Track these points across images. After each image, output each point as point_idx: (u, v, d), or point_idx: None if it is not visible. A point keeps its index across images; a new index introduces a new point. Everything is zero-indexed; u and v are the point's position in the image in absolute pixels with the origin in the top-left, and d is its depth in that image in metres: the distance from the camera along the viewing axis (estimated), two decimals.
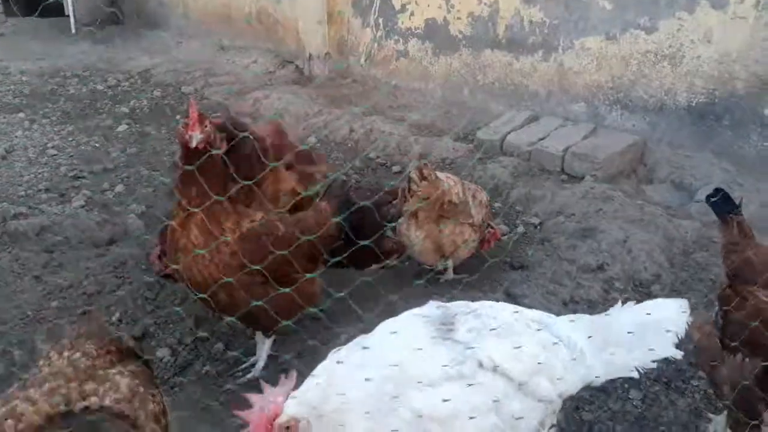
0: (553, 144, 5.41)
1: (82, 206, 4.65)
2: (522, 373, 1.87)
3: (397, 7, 7.10)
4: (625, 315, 2.13)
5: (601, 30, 5.54)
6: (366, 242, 2.64)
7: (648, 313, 2.11)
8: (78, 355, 2.02)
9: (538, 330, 1.98)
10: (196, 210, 2.64)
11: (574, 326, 2.07)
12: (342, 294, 2.45)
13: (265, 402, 1.79)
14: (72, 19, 9.87)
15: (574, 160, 5.19)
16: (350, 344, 1.96)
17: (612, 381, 2.15)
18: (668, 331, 2.06)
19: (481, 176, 5.27)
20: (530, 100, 6.15)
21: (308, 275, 2.91)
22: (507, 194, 5.09)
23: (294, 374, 1.84)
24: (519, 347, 1.89)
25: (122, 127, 6.25)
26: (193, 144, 2.62)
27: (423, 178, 3.45)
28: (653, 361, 2.01)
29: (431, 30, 6.86)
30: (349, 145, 6.06)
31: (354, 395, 1.78)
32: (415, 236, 3.63)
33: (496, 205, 4.93)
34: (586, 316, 2.15)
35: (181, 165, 2.67)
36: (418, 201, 3.49)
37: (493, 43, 6.35)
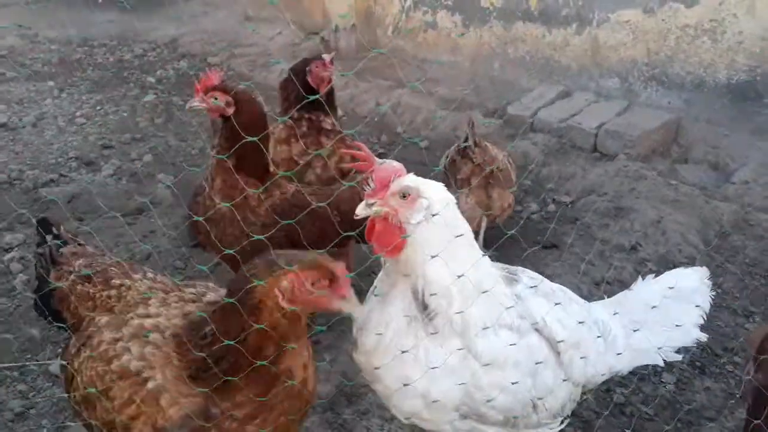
0: (586, 121, 5.28)
1: (111, 175, 4.68)
2: (564, 341, 1.84)
3: None
4: (649, 289, 2.04)
5: (638, 3, 5.35)
6: None
7: (671, 287, 2.00)
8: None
9: (580, 307, 1.95)
10: (228, 171, 2.62)
11: (609, 311, 2.02)
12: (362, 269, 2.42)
13: (391, 163, 1.73)
14: None
15: (607, 137, 5.07)
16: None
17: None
18: (696, 306, 1.97)
19: (511, 153, 5.16)
20: (562, 74, 5.99)
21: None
22: (538, 172, 5.00)
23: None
24: (568, 319, 1.86)
25: (149, 97, 6.25)
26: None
27: (477, 145, 3.57)
28: (678, 349, 1.93)
29: (461, 1, 6.69)
30: (376, 119, 5.99)
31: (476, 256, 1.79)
32: (465, 203, 3.67)
33: (527, 182, 4.85)
34: (614, 297, 2.09)
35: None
36: (468, 169, 3.58)
37: (525, 15, 6.17)
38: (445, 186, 3.62)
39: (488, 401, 1.74)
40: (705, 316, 1.96)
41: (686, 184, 4.50)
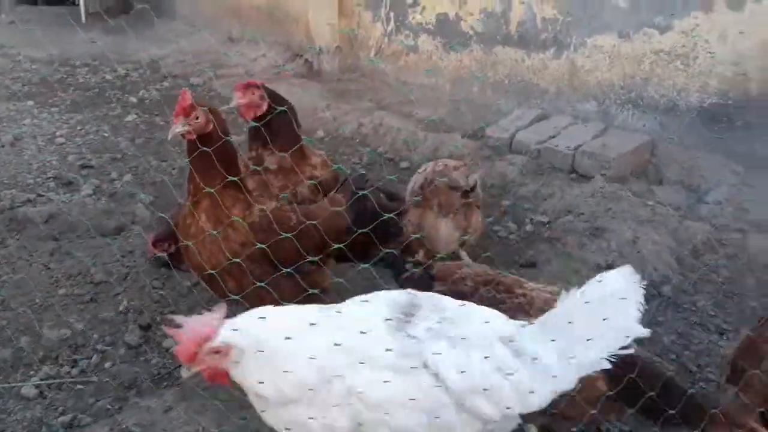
0: (563, 142, 5.37)
1: (90, 195, 4.65)
2: (462, 389, 1.81)
3: (409, 1, 7.06)
4: (579, 301, 1.93)
5: (614, 28, 5.50)
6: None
7: (600, 292, 1.91)
8: None
9: (503, 346, 1.87)
10: (207, 193, 2.63)
11: (542, 336, 1.93)
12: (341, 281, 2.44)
13: (197, 324, 1.80)
14: (82, 8, 9.87)
15: (584, 159, 5.16)
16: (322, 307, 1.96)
17: None
18: (629, 303, 1.88)
19: (490, 174, 5.25)
20: (540, 97, 6.11)
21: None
22: (515, 192, 5.07)
23: (224, 307, 1.87)
24: (467, 363, 1.81)
25: (131, 117, 6.25)
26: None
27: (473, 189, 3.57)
28: (622, 347, 1.86)
29: (442, 25, 6.82)
30: (357, 140, 6.04)
31: (302, 345, 1.80)
32: (447, 231, 3.66)
33: (505, 203, 4.91)
34: (549, 315, 1.99)
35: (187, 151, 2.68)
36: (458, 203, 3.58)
37: (504, 39, 6.31)
38: (420, 206, 3.74)
39: None
40: (641, 309, 1.87)
41: (661, 205, 4.59)
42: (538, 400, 1.86)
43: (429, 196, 3.63)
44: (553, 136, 5.52)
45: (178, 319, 1.80)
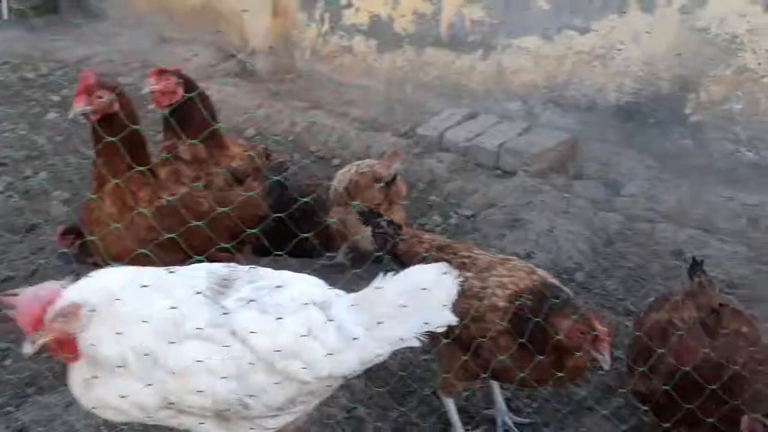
0: (489, 140, 5.52)
1: (1, 192, 4.45)
2: (271, 353, 1.87)
3: (343, 2, 7.10)
4: (393, 285, 2.08)
5: (537, 30, 5.68)
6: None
7: (413, 281, 2.07)
8: None
9: (314, 314, 1.96)
10: (111, 180, 2.57)
11: (353, 307, 2.05)
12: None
13: (39, 290, 1.74)
14: (5, 5, 9.46)
15: (508, 155, 5.31)
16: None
17: None
18: (439, 292, 2.04)
19: (419, 170, 5.34)
20: (469, 97, 6.24)
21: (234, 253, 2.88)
22: (443, 188, 5.17)
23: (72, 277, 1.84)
24: (279, 329, 1.88)
25: (52, 115, 6.02)
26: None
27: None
28: (431, 330, 2.02)
29: (376, 27, 6.89)
30: (290, 138, 6.02)
31: (145, 312, 1.82)
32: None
33: (433, 198, 5.00)
34: (362, 292, 2.12)
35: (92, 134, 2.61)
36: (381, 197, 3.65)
37: (435, 41, 6.42)
38: (345, 206, 3.78)
39: (187, 404, 1.85)
40: (451, 300, 2.04)
41: (579, 198, 4.76)
42: (347, 366, 1.96)
43: (352, 194, 3.69)
44: (480, 134, 5.66)
45: (18, 290, 1.71)
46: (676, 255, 4.10)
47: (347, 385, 2.87)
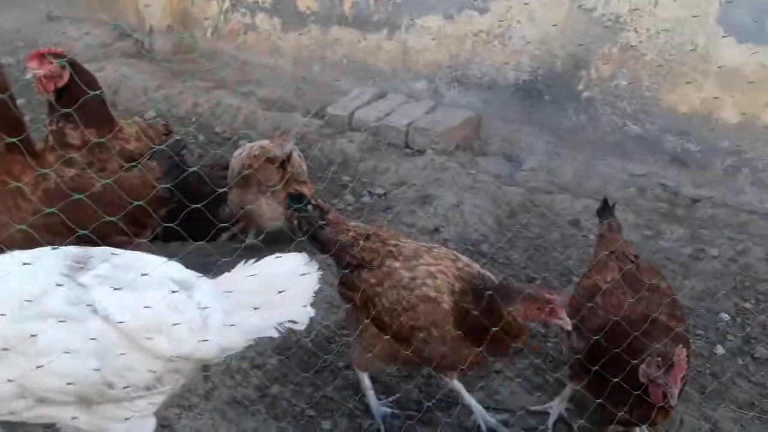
0: (398, 119, 5.59)
1: None
2: (134, 329, 1.86)
3: None
4: (252, 273, 2.08)
5: (439, 9, 5.79)
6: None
7: (273, 272, 2.08)
8: None
9: (174, 291, 1.96)
10: None
11: (213, 291, 2.04)
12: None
13: None
14: None
15: (416, 134, 5.41)
16: None
17: None
18: (300, 285, 2.05)
19: (331, 151, 5.33)
20: (377, 77, 6.28)
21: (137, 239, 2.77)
22: (355, 168, 5.20)
23: None
24: (141, 303, 1.87)
25: None
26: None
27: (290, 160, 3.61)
28: (291, 321, 2.02)
29: (279, 4, 6.75)
30: (192, 119, 5.82)
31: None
32: (268, 206, 3.71)
33: (345, 178, 5.03)
34: (222, 277, 2.12)
35: None
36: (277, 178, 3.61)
37: (340, 19, 6.39)
38: (243, 188, 3.74)
39: (45, 388, 1.80)
40: (313, 294, 2.06)
41: (484, 173, 4.95)
42: (207, 349, 1.96)
43: (248, 176, 3.61)
44: (389, 114, 5.72)
45: None
46: (573, 224, 4.38)
47: (260, 364, 2.87)
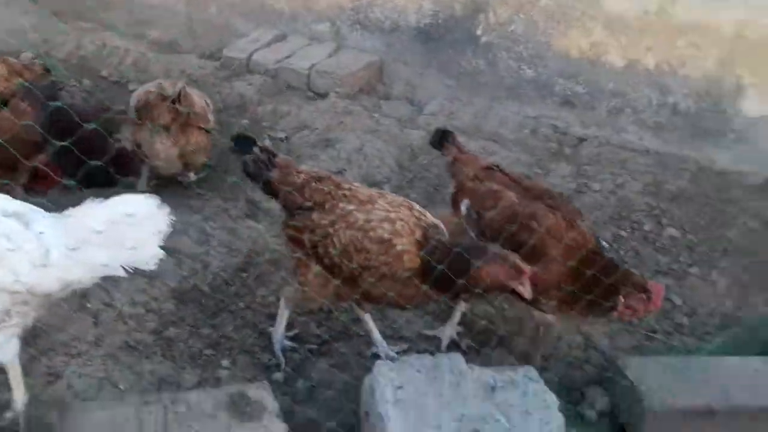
0: (299, 62, 5.46)
1: None
2: None
3: None
4: (98, 212, 2.05)
5: None
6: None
7: (121, 210, 2.05)
8: None
9: (12, 221, 1.94)
10: None
11: (53, 226, 2.01)
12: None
13: None
14: None
15: (318, 77, 5.31)
16: None
17: None
18: (147, 227, 2.04)
19: (229, 94, 5.14)
20: (277, 19, 6.06)
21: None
22: (254, 111, 5.05)
23: None
24: None
25: None
26: None
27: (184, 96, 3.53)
28: (140, 260, 2.02)
29: None
30: (74, 62, 5.39)
31: None
32: (161, 145, 3.63)
33: (244, 122, 4.87)
34: (65, 213, 2.08)
35: None
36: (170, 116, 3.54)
37: None
38: (137, 126, 3.60)
39: None
40: (164, 237, 2.05)
41: (387, 117, 4.97)
42: (48, 281, 1.94)
43: (142, 114, 3.60)
44: (290, 56, 5.57)
45: None
46: None
47: (155, 309, 2.79)
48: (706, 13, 4.46)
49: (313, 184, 2.64)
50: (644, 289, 2.48)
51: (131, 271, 1.97)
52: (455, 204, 2.99)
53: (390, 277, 2.46)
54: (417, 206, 2.67)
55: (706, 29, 4.49)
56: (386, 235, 2.46)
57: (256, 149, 2.74)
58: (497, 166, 3.00)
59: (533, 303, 2.58)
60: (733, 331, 3.10)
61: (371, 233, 2.46)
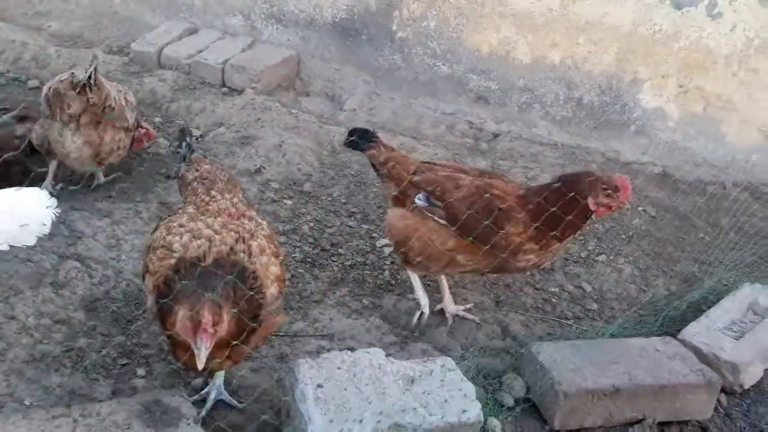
0: (212, 57, 5.31)
1: None
2: None
3: None
4: None
5: None
6: None
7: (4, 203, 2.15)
8: None
9: None
10: None
11: None
12: None
13: None
14: None
15: (234, 72, 5.19)
16: None
17: None
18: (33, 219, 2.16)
19: (139, 90, 4.92)
20: (188, 11, 5.86)
21: None
22: (167, 108, 4.88)
23: None
24: None
25: None
26: None
27: (95, 84, 3.37)
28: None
29: None
30: None
31: None
32: (73, 142, 3.51)
33: (156, 119, 4.69)
34: None
35: None
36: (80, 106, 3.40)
37: None
38: (47, 120, 3.44)
39: None
40: (43, 229, 2.17)
41: (306, 113, 4.93)
42: None
43: (53, 104, 3.44)
44: (203, 51, 5.41)
45: None
46: None
47: (63, 319, 2.65)
48: (604, 10, 4.70)
49: (203, 170, 2.70)
50: (615, 188, 2.72)
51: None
52: (401, 201, 3.01)
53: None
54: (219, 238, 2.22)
55: (604, 26, 4.74)
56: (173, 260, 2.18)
57: (184, 143, 2.83)
58: (431, 162, 3.11)
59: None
60: (637, 313, 3.32)
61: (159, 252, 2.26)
